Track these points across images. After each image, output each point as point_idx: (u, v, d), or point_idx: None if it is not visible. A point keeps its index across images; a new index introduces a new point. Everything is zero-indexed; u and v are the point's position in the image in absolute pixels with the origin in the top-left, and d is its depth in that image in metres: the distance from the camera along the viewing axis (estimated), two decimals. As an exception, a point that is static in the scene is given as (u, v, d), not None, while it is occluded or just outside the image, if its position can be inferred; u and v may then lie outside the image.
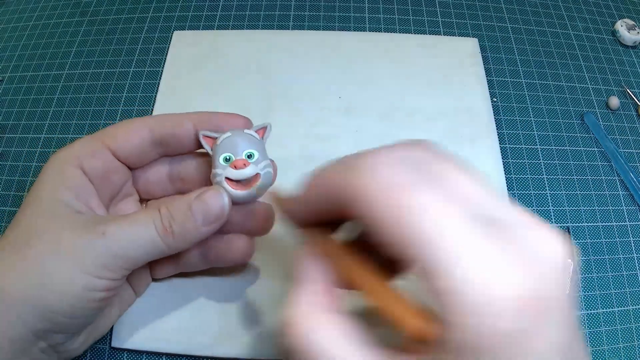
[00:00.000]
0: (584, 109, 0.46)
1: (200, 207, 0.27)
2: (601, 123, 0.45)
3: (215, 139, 0.29)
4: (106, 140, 0.29)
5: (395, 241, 0.17)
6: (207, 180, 0.30)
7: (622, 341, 0.36)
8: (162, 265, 0.31)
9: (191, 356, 0.33)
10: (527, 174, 0.42)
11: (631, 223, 0.40)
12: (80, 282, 0.24)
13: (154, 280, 0.33)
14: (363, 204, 0.18)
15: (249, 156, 0.28)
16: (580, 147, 0.44)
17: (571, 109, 0.46)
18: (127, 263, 0.26)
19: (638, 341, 0.36)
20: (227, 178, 0.28)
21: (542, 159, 0.43)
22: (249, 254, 0.31)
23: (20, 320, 0.23)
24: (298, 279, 0.22)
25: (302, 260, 0.22)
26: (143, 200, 0.33)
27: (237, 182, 0.28)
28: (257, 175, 0.28)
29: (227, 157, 0.28)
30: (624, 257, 0.39)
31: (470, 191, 0.18)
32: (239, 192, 0.28)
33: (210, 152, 0.29)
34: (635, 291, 0.37)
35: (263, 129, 0.30)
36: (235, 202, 0.28)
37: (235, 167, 0.28)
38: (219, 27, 0.49)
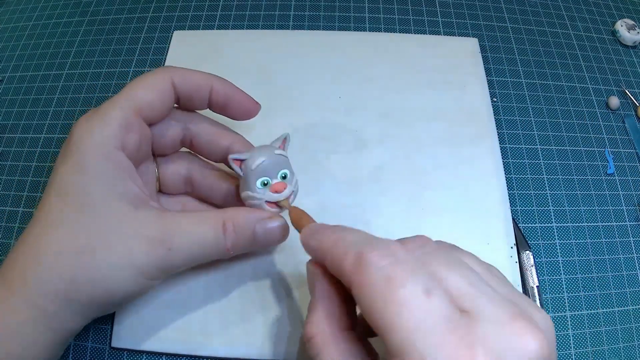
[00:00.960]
0: (585, 109, 0.46)
1: (262, 233, 0.29)
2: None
3: (243, 160, 0.29)
4: (138, 108, 0.28)
5: (377, 326, 0.19)
6: (221, 196, 0.32)
7: (622, 341, 0.36)
8: None
9: (191, 356, 0.33)
10: (527, 174, 0.42)
11: (631, 223, 0.40)
12: (140, 285, 0.26)
13: None
14: (356, 294, 0.20)
15: (284, 177, 0.30)
16: (580, 147, 0.44)
17: (571, 109, 0.46)
18: (181, 268, 0.28)
19: (638, 341, 0.36)
20: (267, 202, 0.29)
21: (542, 159, 0.43)
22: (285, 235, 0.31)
23: (80, 315, 0.26)
24: (316, 296, 0.24)
25: (319, 278, 0.24)
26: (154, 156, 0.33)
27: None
28: (291, 193, 0.30)
29: (265, 182, 0.29)
30: (624, 257, 0.39)
31: (454, 285, 0.19)
32: (275, 209, 0.30)
33: (240, 174, 0.29)
34: (635, 291, 0.37)
35: (283, 141, 0.31)
36: None
37: (277, 191, 0.29)
38: (219, 27, 0.49)
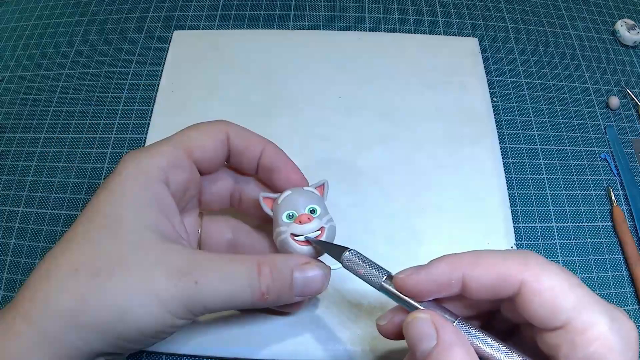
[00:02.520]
0: (585, 109, 0.46)
1: (301, 281, 0.26)
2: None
3: (274, 199, 0.29)
4: (188, 147, 0.28)
5: (563, 310, 0.21)
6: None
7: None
8: None
9: (191, 356, 0.33)
10: (527, 173, 0.42)
11: (630, 223, 0.40)
12: (161, 322, 0.24)
13: None
14: (536, 287, 0.21)
15: (312, 211, 0.28)
16: (580, 147, 0.44)
17: (571, 109, 0.46)
18: (211, 310, 0.25)
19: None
20: (292, 234, 0.28)
21: (542, 159, 0.43)
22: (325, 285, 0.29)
23: (88, 345, 0.23)
24: (446, 345, 0.22)
25: (444, 323, 0.23)
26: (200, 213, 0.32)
27: (301, 237, 0.28)
28: (322, 229, 0.28)
29: (291, 214, 0.28)
30: (623, 257, 0.39)
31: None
32: (304, 247, 0.28)
33: (270, 213, 0.29)
34: (635, 291, 0.37)
35: (322, 186, 0.30)
36: None
37: (301, 222, 0.27)
38: (219, 27, 0.49)
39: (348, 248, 0.26)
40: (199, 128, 0.29)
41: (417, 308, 0.24)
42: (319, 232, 0.28)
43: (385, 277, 0.25)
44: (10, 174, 0.42)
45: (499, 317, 0.26)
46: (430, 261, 0.24)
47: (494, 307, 0.25)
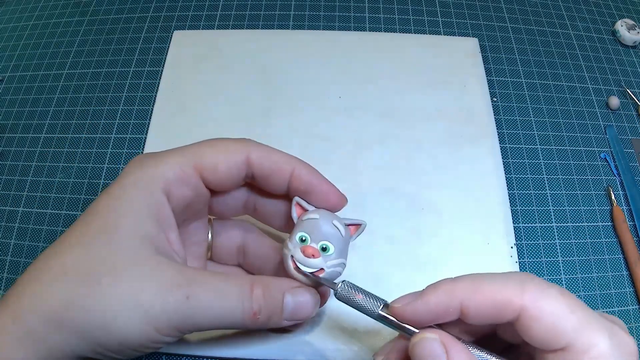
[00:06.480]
0: (585, 109, 0.46)
1: (292, 305, 0.26)
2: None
3: (305, 210, 0.28)
4: (198, 164, 0.26)
5: (564, 332, 0.21)
6: (282, 221, 0.29)
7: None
8: None
9: (191, 356, 0.33)
10: (527, 173, 0.42)
11: (630, 223, 0.40)
12: (145, 336, 0.23)
13: None
14: (536, 312, 0.21)
15: (324, 249, 0.27)
16: (580, 147, 0.44)
17: (571, 109, 0.46)
18: (199, 328, 0.25)
19: (638, 341, 0.36)
20: (292, 257, 0.27)
21: (542, 159, 0.43)
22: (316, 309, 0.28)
23: (69, 347, 0.23)
24: None
25: (455, 345, 0.22)
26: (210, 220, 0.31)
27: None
28: (320, 270, 0.27)
29: (303, 238, 0.27)
30: (623, 257, 0.39)
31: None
32: (299, 276, 0.27)
33: (295, 220, 0.28)
34: (635, 291, 0.37)
35: (356, 226, 0.28)
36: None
37: (304, 253, 0.26)
38: (219, 27, 0.49)
39: (342, 281, 0.26)
40: (215, 145, 0.27)
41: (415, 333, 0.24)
42: (317, 271, 0.27)
43: (382, 306, 0.24)
44: (10, 174, 0.42)
45: (494, 337, 0.25)
46: (427, 287, 0.23)
47: (491, 330, 0.25)
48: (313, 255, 0.26)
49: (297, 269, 0.26)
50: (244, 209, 0.31)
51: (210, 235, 0.31)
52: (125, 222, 0.24)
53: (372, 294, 0.25)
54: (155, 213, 0.25)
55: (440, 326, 0.24)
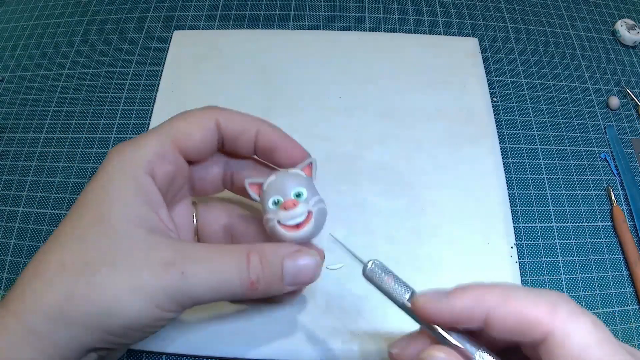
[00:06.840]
0: (585, 109, 0.46)
1: (292, 270, 0.26)
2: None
3: (261, 184, 0.28)
4: (175, 138, 0.27)
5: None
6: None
7: (622, 341, 0.36)
8: None
9: (191, 356, 0.33)
10: (527, 173, 0.42)
11: (630, 223, 0.40)
12: (149, 315, 0.24)
13: None
14: (561, 337, 0.21)
15: (298, 195, 0.27)
16: (580, 147, 0.44)
17: (571, 109, 0.46)
18: (199, 302, 0.25)
19: (638, 341, 0.36)
20: (279, 222, 0.27)
21: (542, 159, 0.43)
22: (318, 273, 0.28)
23: (76, 340, 0.23)
24: None
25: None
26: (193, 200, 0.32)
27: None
28: (309, 213, 0.27)
29: (276, 200, 0.27)
30: (623, 257, 0.39)
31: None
32: (294, 234, 0.27)
33: (257, 199, 0.28)
34: (635, 291, 0.37)
35: (309, 166, 0.29)
36: None
37: (286, 209, 0.26)
38: (219, 27, 0.49)
39: (372, 260, 0.25)
40: (186, 117, 0.28)
41: (436, 331, 0.23)
42: (306, 217, 0.27)
43: (409, 296, 0.24)
44: (10, 174, 0.42)
45: (516, 351, 0.25)
46: (455, 289, 0.23)
47: (511, 345, 0.24)
48: (294, 205, 0.27)
49: (290, 228, 0.27)
50: (223, 183, 0.32)
51: (195, 218, 0.31)
52: (116, 210, 0.24)
53: (402, 280, 0.25)
54: (143, 195, 0.25)
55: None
